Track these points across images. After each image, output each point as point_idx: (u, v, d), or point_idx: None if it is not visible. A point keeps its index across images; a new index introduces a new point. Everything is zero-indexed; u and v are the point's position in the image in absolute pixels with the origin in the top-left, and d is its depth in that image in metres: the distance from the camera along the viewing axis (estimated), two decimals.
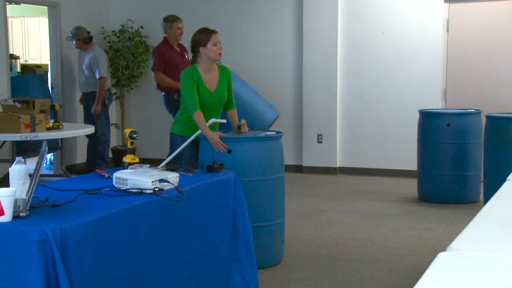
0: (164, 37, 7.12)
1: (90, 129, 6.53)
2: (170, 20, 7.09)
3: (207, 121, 4.35)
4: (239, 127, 4.51)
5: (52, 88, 8.54)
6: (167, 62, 6.92)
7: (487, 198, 4.96)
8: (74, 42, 7.96)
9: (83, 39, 7.89)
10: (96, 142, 8.00)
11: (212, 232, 3.52)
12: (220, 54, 4.50)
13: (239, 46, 8.47)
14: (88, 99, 7.99)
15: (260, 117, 6.78)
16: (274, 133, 4.52)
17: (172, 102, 6.88)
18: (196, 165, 3.83)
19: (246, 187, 3.89)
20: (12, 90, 7.48)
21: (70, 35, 7.92)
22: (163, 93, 7.05)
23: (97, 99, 7.85)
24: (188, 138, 4.32)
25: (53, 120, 6.25)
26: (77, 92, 8.54)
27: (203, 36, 4.48)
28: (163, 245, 3.03)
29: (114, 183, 3.07)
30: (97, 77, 7.81)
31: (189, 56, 7.04)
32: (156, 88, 7.11)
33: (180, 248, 3.18)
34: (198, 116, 4.35)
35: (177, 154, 4.24)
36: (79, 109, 8.52)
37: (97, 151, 8.01)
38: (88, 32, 7.99)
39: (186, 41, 6.53)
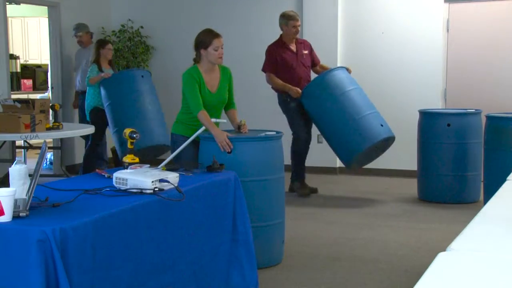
0: (281, 35, 6.78)
1: (90, 129, 6.52)
2: (286, 17, 6.66)
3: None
4: (239, 127, 4.51)
5: (52, 88, 8.55)
6: (277, 62, 6.63)
7: (487, 198, 4.96)
8: (77, 38, 7.96)
9: (90, 33, 7.96)
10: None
11: (212, 232, 3.52)
12: (220, 58, 4.49)
13: (238, 46, 8.46)
14: (84, 98, 7.97)
15: (365, 134, 6.22)
16: (274, 133, 4.52)
17: (281, 103, 6.75)
18: (196, 165, 3.83)
19: (246, 187, 3.89)
20: (116, 85, 7.16)
21: (74, 31, 7.93)
22: (277, 94, 6.84)
23: None
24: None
25: (53, 120, 6.25)
26: None
27: (206, 38, 4.47)
28: (163, 245, 3.03)
29: (114, 183, 3.07)
30: None
31: (312, 51, 6.84)
32: (272, 88, 6.89)
33: (180, 248, 3.18)
34: (204, 115, 4.35)
35: (178, 154, 4.24)
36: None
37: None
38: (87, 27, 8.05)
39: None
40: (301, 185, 6.86)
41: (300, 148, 6.77)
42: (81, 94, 8.06)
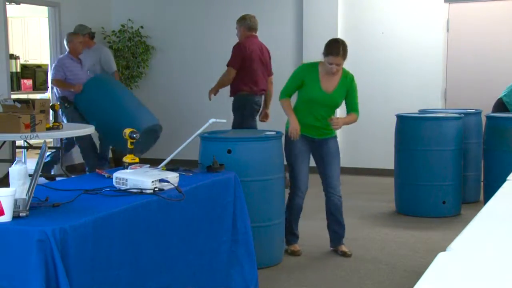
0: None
1: (90, 129, 6.50)
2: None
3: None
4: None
5: (52, 88, 8.54)
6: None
7: (487, 198, 4.95)
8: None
9: (89, 33, 7.93)
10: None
11: (212, 232, 3.52)
12: (332, 73, 4.58)
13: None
14: None
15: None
16: (274, 133, 4.52)
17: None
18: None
19: (246, 187, 3.89)
20: None
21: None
22: None
23: None
24: (302, 134, 4.60)
25: (53, 120, 6.24)
26: None
27: (326, 49, 4.58)
28: (163, 245, 3.03)
29: (114, 183, 3.07)
30: (113, 70, 7.90)
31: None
32: None
33: (180, 248, 3.18)
34: (286, 103, 4.64)
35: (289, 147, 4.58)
36: None
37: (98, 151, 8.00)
38: (90, 28, 8.02)
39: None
40: None
41: None
42: None
